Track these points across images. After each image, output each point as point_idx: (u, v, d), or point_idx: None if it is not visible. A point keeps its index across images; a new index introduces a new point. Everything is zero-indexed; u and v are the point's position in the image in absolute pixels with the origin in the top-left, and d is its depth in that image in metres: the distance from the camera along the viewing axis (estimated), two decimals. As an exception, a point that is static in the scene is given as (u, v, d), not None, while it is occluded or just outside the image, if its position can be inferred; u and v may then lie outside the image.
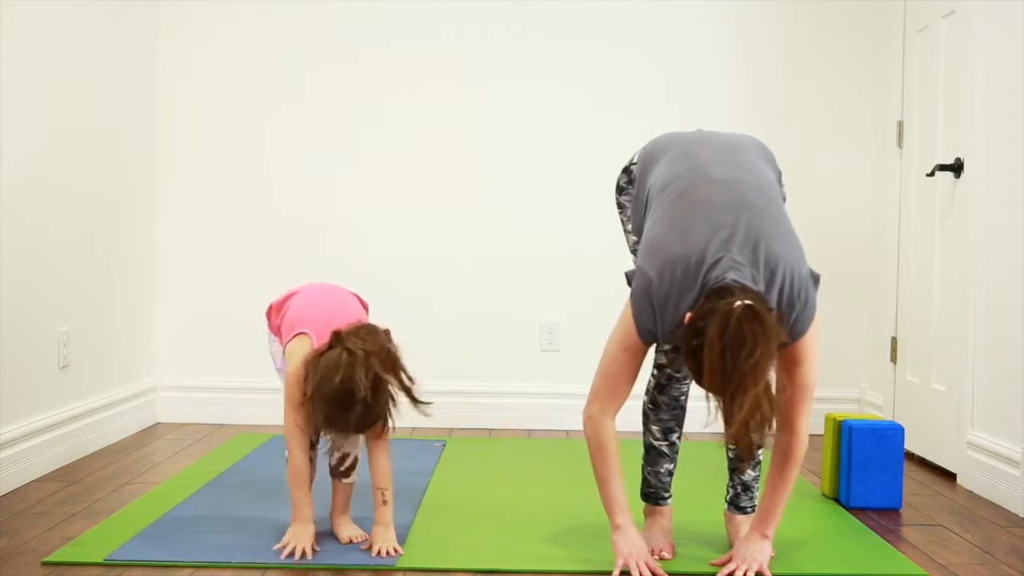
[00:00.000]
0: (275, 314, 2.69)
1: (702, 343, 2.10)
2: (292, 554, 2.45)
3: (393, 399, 2.39)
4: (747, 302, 2.09)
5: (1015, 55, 3.17)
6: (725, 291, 2.14)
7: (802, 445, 2.35)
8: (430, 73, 4.36)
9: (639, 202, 2.50)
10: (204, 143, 4.38)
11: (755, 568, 2.38)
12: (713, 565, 2.46)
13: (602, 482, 2.40)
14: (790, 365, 2.31)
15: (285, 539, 2.50)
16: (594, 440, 2.39)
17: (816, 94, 4.40)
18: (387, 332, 2.46)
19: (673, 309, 2.24)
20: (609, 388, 2.37)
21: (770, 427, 2.12)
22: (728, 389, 2.08)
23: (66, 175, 3.54)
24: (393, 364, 2.39)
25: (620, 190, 2.66)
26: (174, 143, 4.36)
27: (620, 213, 2.68)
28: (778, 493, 2.39)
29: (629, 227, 2.62)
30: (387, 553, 2.48)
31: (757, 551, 2.40)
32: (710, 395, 2.14)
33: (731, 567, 2.39)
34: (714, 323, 2.08)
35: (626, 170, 2.64)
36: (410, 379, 2.43)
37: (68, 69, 3.55)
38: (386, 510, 2.53)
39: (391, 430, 2.50)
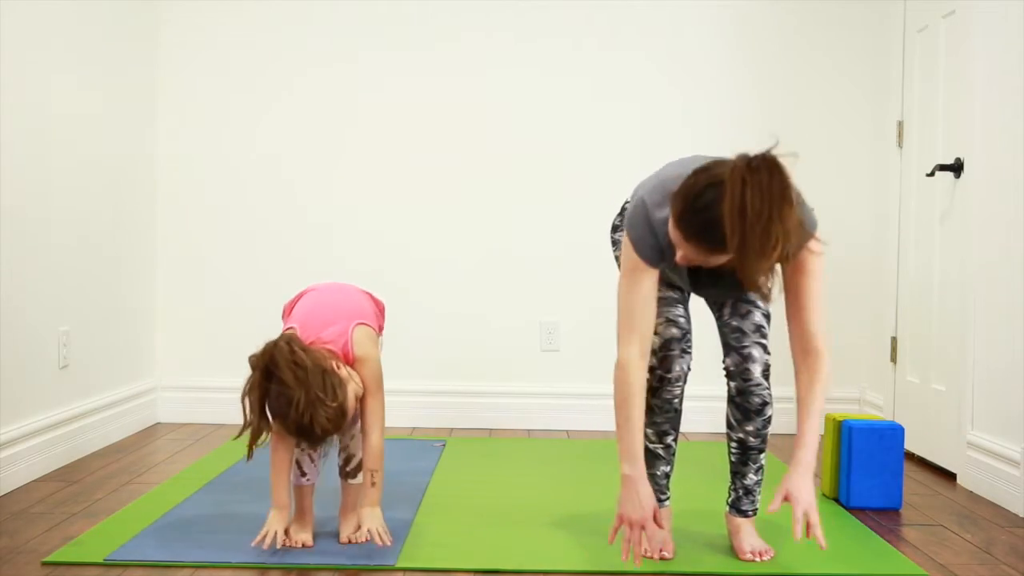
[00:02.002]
0: (287, 315, 2.72)
1: (719, 195, 2.05)
2: (271, 543, 2.44)
3: (338, 393, 2.36)
4: (762, 153, 2.06)
5: (1015, 55, 3.17)
6: (724, 158, 2.13)
7: (829, 363, 2.32)
8: (430, 74, 4.36)
9: None
10: (205, 142, 4.38)
11: (814, 510, 2.29)
12: (769, 512, 2.32)
13: (617, 427, 2.38)
14: (800, 277, 2.32)
15: (263, 528, 2.49)
16: (617, 384, 2.37)
17: (816, 94, 4.40)
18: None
19: (668, 211, 2.23)
20: (627, 323, 2.35)
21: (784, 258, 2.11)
22: (748, 231, 2.02)
23: (66, 175, 3.54)
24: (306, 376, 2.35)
25: (615, 229, 2.72)
26: (175, 142, 4.36)
27: (614, 248, 2.71)
28: (811, 420, 2.34)
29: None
30: (378, 535, 2.47)
31: (809, 491, 2.29)
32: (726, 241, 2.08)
33: (798, 518, 2.26)
34: (735, 173, 2.03)
35: (621, 211, 2.70)
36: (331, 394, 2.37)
37: (68, 68, 3.55)
38: (374, 492, 2.51)
39: (376, 415, 2.51)
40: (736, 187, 2.02)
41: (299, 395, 2.31)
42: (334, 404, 2.34)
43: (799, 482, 2.31)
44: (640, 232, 2.33)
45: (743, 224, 2.02)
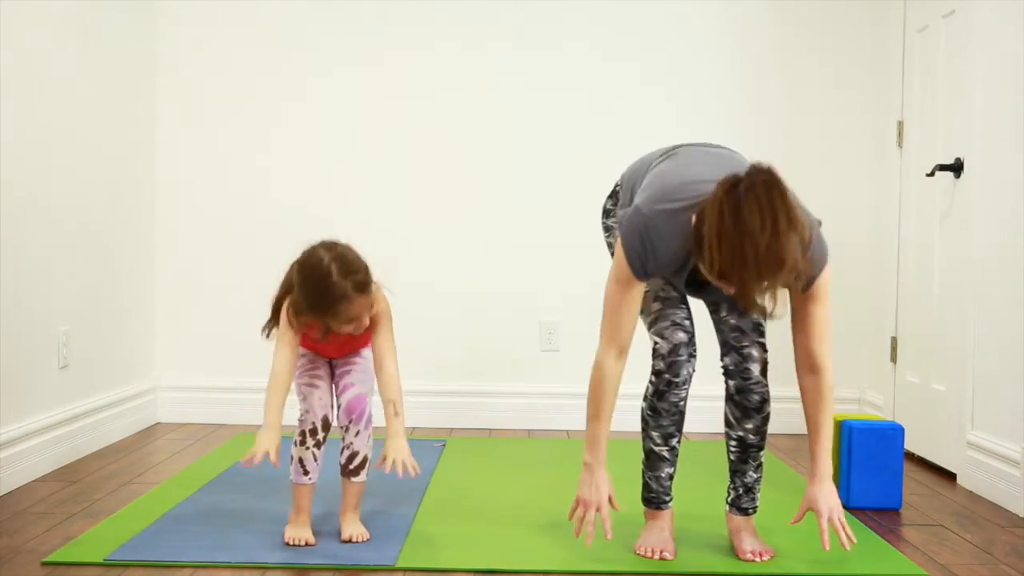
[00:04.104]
0: None
1: (716, 214, 2.11)
2: (252, 461, 2.39)
3: (365, 260, 2.48)
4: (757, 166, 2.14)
5: (1015, 55, 3.17)
6: (730, 176, 2.16)
7: (832, 379, 2.43)
8: (430, 73, 4.36)
9: (624, 208, 2.55)
10: (204, 142, 4.38)
11: (838, 513, 2.44)
12: (792, 524, 2.53)
13: (587, 420, 2.49)
14: (810, 304, 2.37)
15: (252, 448, 2.44)
16: (593, 380, 2.47)
17: (816, 94, 4.39)
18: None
19: (668, 226, 2.28)
20: (609, 326, 2.43)
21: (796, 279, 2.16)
22: (752, 250, 2.08)
23: (66, 174, 3.54)
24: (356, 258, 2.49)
25: (607, 213, 2.73)
26: (174, 142, 4.36)
27: (606, 235, 2.73)
28: (822, 432, 2.44)
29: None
30: (402, 466, 2.44)
31: (830, 496, 2.44)
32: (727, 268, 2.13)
33: (823, 520, 2.43)
34: (726, 189, 2.11)
35: (612, 194, 2.72)
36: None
37: (68, 67, 3.55)
38: (397, 422, 2.51)
39: (387, 321, 2.58)
40: (726, 203, 2.09)
41: (333, 253, 2.44)
42: (363, 268, 2.45)
43: (820, 489, 2.44)
44: (635, 246, 2.33)
45: (738, 242, 2.08)
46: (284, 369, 2.51)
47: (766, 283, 2.12)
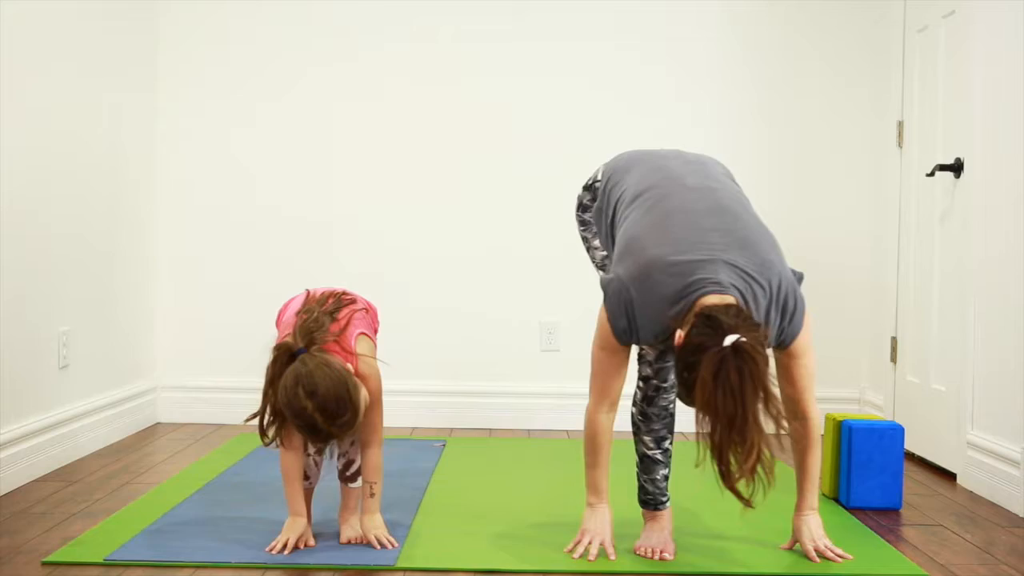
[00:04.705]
0: (280, 320, 2.70)
1: (695, 380, 2.14)
2: (283, 549, 2.47)
3: (350, 396, 2.35)
4: (740, 339, 2.10)
5: (1015, 55, 3.17)
6: (714, 321, 2.14)
7: (818, 426, 2.49)
8: (429, 72, 4.37)
9: (603, 214, 2.56)
10: (204, 141, 4.38)
11: (823, 542, 2.52)
12: (783, 549, 2.58)
13: (587, 468, 2.53)
14: (791, 360, 2.39)
15: (280, 536, 2.53)
16: (586, 432, 2.51)
17: (816, 94, 4.40)
18: (332, 305, 2.51)
19: (653, 311, 2.29)
20: (598, 385, 2.47)
21: (767, 472, 2.17)
22: (723, 433, 2.13)
23: (66, 174, 3.54)
24: (328, 363, 2.36)
25: (583, 208, 2.72)
26: (174, 141, 4.37)
27: (583, 230, 2.74)
28: (809, 473, 2.52)
29: (596, 243, 2.68)
30: (379, 541, 2.53)
31: (815, 527, 2.54)
32: (701, 430, 2.18)
33: (809, 550, 2.51)
34: (706, 366, 2.11)
35: (588, 187, 2.70)
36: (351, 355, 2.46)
37: (68, 67, 3.55)
38: (372, 502, 2.57)
39: (378, 426, 2.55)
40: (708, 400, 2.12)
41: (315, 401, 2.31)
42: (350, 408, 2.34)
43: (805, 521, 2.54)
44: (617, 316, 2.35)
45: (715, 431, 2.15)
46: (292, 462, 2.52)
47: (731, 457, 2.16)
